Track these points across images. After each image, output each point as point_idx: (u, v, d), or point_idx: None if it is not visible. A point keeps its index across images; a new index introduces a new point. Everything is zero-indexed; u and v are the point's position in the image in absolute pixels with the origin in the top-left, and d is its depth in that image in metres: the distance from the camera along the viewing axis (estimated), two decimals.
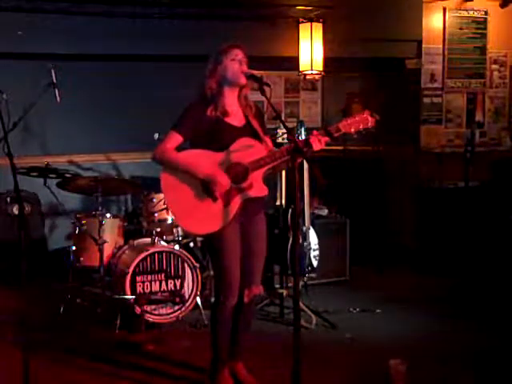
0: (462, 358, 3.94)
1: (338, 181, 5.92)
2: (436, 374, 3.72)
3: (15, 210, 5.60)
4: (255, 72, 3.25)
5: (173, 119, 3.30)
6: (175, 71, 6.03)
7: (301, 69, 6.26)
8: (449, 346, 4.15)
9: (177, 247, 4.73)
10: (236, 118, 3.32)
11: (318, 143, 3.14)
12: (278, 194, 5.05)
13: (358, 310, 4.99)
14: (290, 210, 4.91)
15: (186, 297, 4.60)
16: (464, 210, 5.85)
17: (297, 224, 3.29)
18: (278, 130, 4.60)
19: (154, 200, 5.01)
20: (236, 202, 3.22)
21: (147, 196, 5.06)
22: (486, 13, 6.92)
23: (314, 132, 3.19)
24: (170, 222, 4.99)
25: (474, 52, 6.94)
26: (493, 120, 7.11)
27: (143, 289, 4.52)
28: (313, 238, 4.91)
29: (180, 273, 4.62)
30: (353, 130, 3.17)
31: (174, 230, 4.96)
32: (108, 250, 4.82)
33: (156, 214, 4.98)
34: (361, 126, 3.17)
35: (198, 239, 5.08)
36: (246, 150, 3.21)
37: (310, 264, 4.87)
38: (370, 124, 3.18)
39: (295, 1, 6.17)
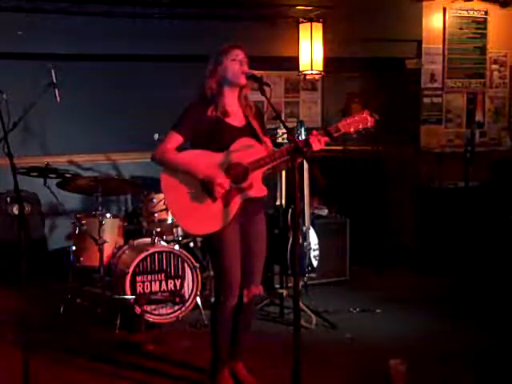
0: (462, 358, 3.94)
1: (337, 181, 5.92)
2: (436, 374, 3.72)
3: (15, 210, 5.60)
4: (255, 72, 3.25)
5: (173, 119, 3.30)
6: (175, 71, 6.03)
7: (301, 69, 6.26)
8: (449, 346, 4.15)
9: (177, 247, 4.73)
10: (236, 119, 3.32)
11: (318, 143, 3.15)
12: (278, 194, 5.05)
13: (358, 309, 4.99)
14: (290, 210, 4.91)
15: (186, 297, 4.60)
16: (464, 210, 5.85)
17: (297, 224, 3.29)
18: (278, 130, 4.60)
19: (154, 200, 5.01)
20: (236, 202, 3.22)
21: (147, 196, 5.06)
22: (486, 13, 6.92)
23: (314, 132, 3.19)
24: (169, 222, 4.99)
25: (474, 52, 6.94)
26: (493, 120, 7.11)
27: (143, 289, 4.52)
28: (313, 238, 4.91)
29: (180, 273, 4.62)
30: (352, 129, 3.17)
31: (174, 230, 4.97)
32: (108, 249, 4.82)
33: (156, 214, 4.98)
34: (360, 126, 3.17)
35: (198, 239, 5.08)
36: (245, 150, 3.21)
37: (310, 264, 4.87)
38: (369, 124, 3.18)
39: (295, 1, 6.17)
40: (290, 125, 3.82)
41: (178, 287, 4.60)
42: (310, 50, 6.11)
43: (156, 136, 4.56)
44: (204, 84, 3.29)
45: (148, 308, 4.46)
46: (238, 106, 3.34)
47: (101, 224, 4.72)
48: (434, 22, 6.75)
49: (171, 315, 4.57)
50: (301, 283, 4.90)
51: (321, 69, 6.19)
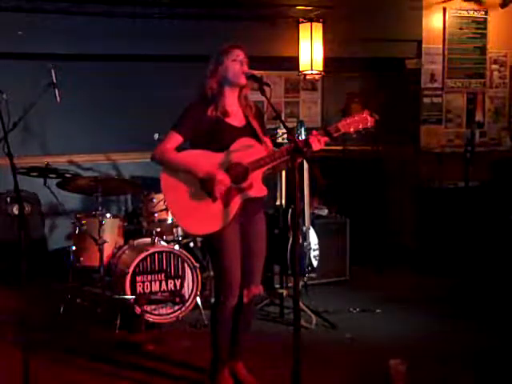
0: (462, 358, 3.94)
1: (337, 181, 5.92)
2: (436, 373, 3.72)
3: (15, 210, 5.60)
4: (255, 72, 3.25)
5: (173, 119, 3.30)
6: (175, 71, 6.03)
7: (301, 69, 6.26)
8: (449, 346, 4.15)
9: (177, 247, 4.73)
10: (236, 119, 3.32)
11: (318, 143, 3.15)
12: (278, 194, 5.05)
13: (358, 309, 4.99)
14: (290, 210, 4.91)
15: (186, 297, 4.60)
16: (464, 210, 5.85)
17: (297, 224, 3.29)
18: (278, 130, 4.60)
19: (154, 200, 5.02)
20: (236, 202, 3.22)
21: (147, 196, 5.06)
22: (486, 13, 6.92)
23: (314, 132, 3.19)
24: (169, 222, 4.99)
25: (474, 52, 6.94)
26: (493, 120, 7.11)
27: (143, 289, 4.52)
28: (313, 238, 4.91)
29: (180, 273, 4.62)
30: (352, 129, 3.17)
31: (174, 230, 4.97)
32: (108, 250, 4.82)
33: (156, 214, 4.98)
34: (360, 126, 3.17)
35: (198, 239, 5.08)
36: (245, 150, 3.21)
37: (310, 264, 4.87)
38: (369, 124, 3.18)
39: (295, 1, 6.18)
40: (289, 125, 3.82)
41: (178, 287, 4.60)
42: (310, 50, 6.11)
43: (156, 136, 4.56)
44: (204, 84, 3.29)
45: (148, 308, 4.46)
46: (238, 106, 3.34)
47: (101, 224, 4.72)
48: (433, 22, 6.75)
49: (171, 315, 4.57)
50: (301, 283, 4.90)
51: (321, 69, 6.19)
